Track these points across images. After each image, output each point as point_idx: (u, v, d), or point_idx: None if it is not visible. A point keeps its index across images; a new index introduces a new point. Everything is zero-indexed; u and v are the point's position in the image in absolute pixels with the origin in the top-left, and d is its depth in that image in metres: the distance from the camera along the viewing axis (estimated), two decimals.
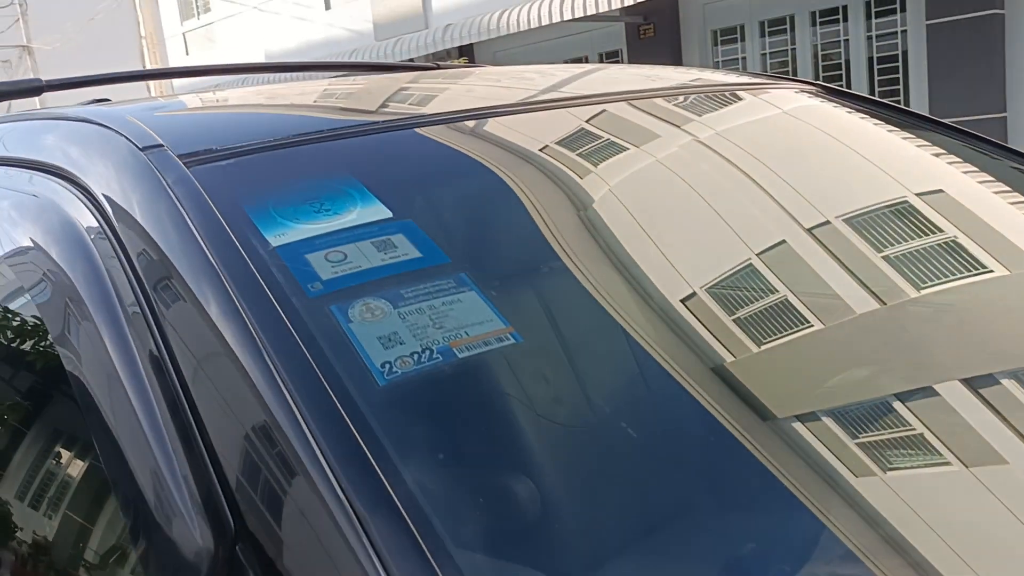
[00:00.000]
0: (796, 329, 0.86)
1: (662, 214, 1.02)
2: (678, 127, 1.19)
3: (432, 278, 0.79)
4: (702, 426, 0.77)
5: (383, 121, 1.10)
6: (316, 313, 0.74)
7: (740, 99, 1.38)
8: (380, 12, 13.45)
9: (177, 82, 16.14)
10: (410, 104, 1.26)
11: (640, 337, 0.81)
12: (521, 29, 11.23)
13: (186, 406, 0.69)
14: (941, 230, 1.03)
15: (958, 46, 9.53)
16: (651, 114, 1.21)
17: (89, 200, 0.91)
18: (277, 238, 0.81)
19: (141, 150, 0.92)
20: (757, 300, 0.89)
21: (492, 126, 1.10)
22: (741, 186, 1.08)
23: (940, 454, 0.74)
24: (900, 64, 10.38)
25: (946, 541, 0.67)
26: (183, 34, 17.69)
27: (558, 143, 1.07)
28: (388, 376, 0.69)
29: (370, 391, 0.67)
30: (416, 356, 0.71)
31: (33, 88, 1.69)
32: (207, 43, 17.00)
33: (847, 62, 10.73)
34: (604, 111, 1.18)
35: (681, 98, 1.30)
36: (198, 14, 17.36)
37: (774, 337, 0.84)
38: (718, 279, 0.91)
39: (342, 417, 0.64)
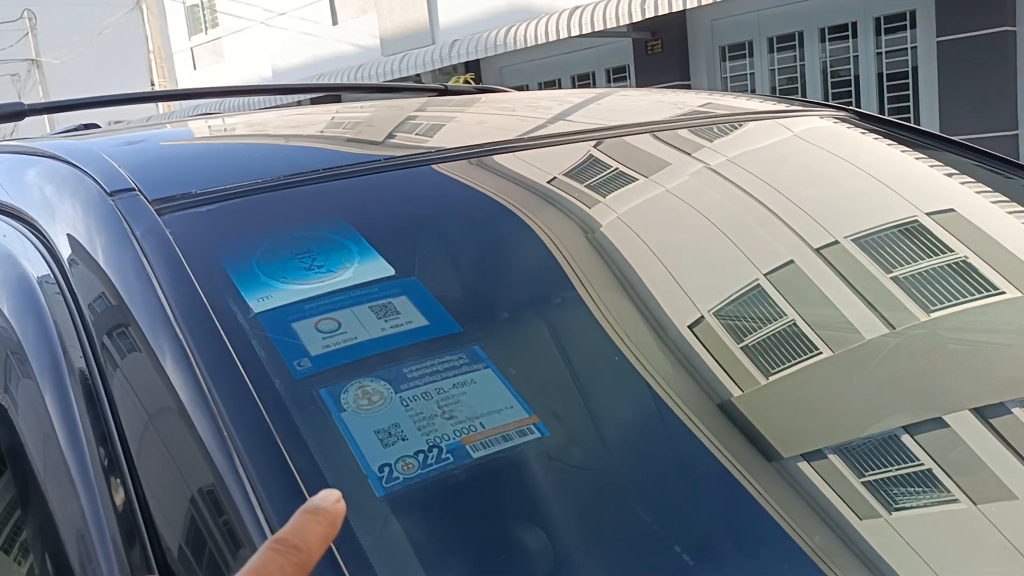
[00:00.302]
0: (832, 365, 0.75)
1: (700, 269, 0.89)
2: (708, 161, 1.08)
3: (441, 352, 0.67)
4: (742, 495, 0.65)
5: (384, 158, 0.98)
6: (302, 399, 0.62)
7: (770, 128, 1.27)
8: (387, 28, 13.42)
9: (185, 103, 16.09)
10: (415, 135, 1.14)
11: (694, 425, 0.68)
12: (528, 45, 11.18)
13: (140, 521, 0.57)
14: (957, 252, 0.96)
15: (969, 63, 9.49)
16: (681, 148, 1.09)
17: (46, 249, 0.80)
18: (260, 302, 0.69)
19: (109, 195, 0.80)
20: (790, 338, 0.77)
21: (506, 163, 0.98)
22: (776, 224, 0.96)
23: (949, 491, 0.68)
24: (910, 81, 10.32)
25: None
26: (191, 49, 17.69)
27: (582, 185, 0.95)
28: (388, 484, 0.57)
29: (368, 504, 0.55)
30: (422, 457, 0.58)
31: (13, 113, 1.58)
32: (215, 58, 16.99)
33: (856, 78, 10.68)
34: (628, 144, 1.06)
35: (711, 129, 1.19)
36: (206, 29, 17.36)
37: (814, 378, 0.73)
38: (745, 314, 0.79)
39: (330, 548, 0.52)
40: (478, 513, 0.59)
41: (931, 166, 1.39)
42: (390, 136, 1.11)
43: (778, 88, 11.40)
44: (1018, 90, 9.51)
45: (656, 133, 1.12)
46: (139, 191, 0.81)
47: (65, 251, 0.79)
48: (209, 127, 1.26)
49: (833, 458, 0.67)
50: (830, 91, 10.78)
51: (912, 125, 1.51)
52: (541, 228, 0.87)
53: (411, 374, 0.64)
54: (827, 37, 10.84)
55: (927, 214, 1.07)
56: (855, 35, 10.63)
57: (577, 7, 10.78)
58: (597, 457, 0.66)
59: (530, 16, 11.42)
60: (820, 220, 0.99)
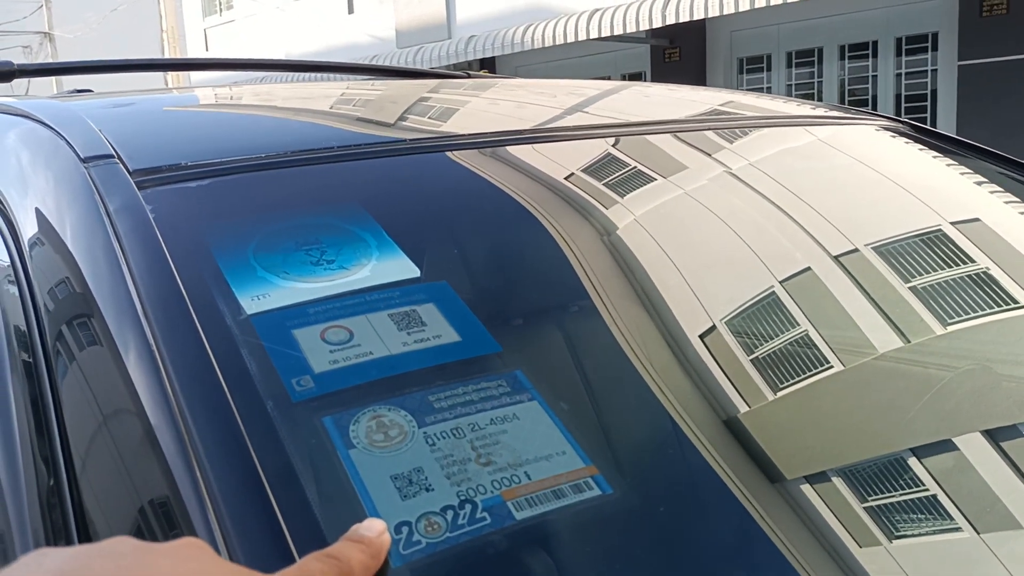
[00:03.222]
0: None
1: (743, 282, 0.77)
2: (746, 162, 0.96)
3: (476, 377, 0.54)
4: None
5: (409, 140, 0.85)
6: (300, 429, 0.48)
7: (802, 133, 1.17)
8: (403, 19, 13.32)
9: (196, 76, 16.00)
10: (440, 119, 1.00)
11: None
12: (546, 45, 11.09)
13: None
14: (975, 261, 0.91)
15: (989, 89, 9.46)
16: (718, 146, 0.97)
17: (6, 225, 0.67)
18: (254, 302, 0.56)
19: (83, 161, 0.67)
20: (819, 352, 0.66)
21: (542, 154, 0.85)
22: (805, 232, 0.85)
23: (953, 519, 0.61)
24: (929, 103, 10.28)
25: None
26: (204, 30, 17.59)
27: (629, 182, 0.82)
28: (407, 551, 0.43)
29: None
30: (451, 515, 0.45)
31: (2, 73, 1.45)
32: (228, 40, 16.87)
33: (874, 98, 10.62)
34: (669, 144, 0.93)
35: (747, 132, 1.07)
36: (220, 11, 17.25)
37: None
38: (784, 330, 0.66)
39: None
40: None
41: (971, 175, 1.30)
42: (411, 116, 0.98)
43: None
44: None
45: (700, 132, 1.00)
46: (119, 159, 0.68)
47: (29, 228, 0.66)
48: (211, 95, 1.12)
49: (855, 480, 0.60)
50: None
51: (963, 140, 1.41)
52: (587, 236, 0.73)
53: (438, 403, 0.51)
54: (847, 55, 10.79)
55: (952, 223, 1.00)
56: (875, 54, 10.58)
57: (597, 10, 10.69)
58: (667, 519, 0.52)
59: (549, 16, 11.33)
60: (845, 228, 0.92)
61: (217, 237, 0.63)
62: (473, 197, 0.75)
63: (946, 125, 9.96)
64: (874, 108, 10.54)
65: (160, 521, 0.44)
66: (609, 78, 12.46)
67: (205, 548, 0.37)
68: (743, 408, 0.60)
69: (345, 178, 0.75)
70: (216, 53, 17.07)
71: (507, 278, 0.70)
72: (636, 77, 12.24)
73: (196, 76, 15.74)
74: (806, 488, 0.57)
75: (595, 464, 0.49)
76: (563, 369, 0.61)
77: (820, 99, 10.96)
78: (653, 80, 11.85)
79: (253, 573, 0.36)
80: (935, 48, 10.09)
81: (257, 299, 0.56)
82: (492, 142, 0.85)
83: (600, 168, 0.84)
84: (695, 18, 9.97)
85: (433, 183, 0.79)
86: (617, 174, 0.83)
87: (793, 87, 11.23)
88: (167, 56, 16.64)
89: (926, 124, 9.50)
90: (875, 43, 10.51)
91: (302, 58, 15.01)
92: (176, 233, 0.60)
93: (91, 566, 0.34)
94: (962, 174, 1.29)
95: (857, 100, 10.70)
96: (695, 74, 11.49)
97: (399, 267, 0.61)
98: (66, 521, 0.46)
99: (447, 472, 0.47)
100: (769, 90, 11.30)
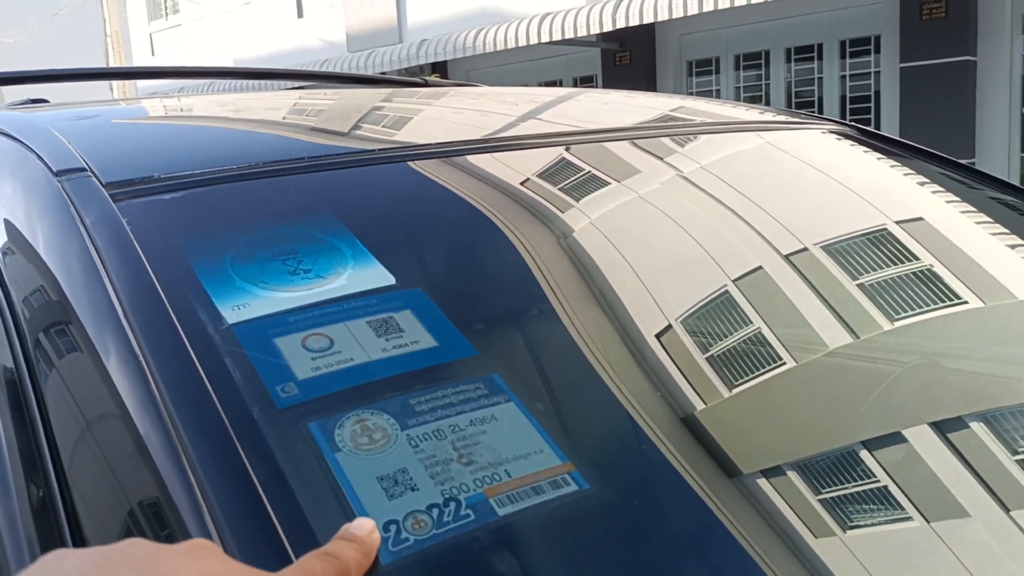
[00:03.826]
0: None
1: (711, 286, 0.80)
2: (698, 168, 1.00)
3: (455, 380, 0.56)
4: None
5: (378, 151, 0.87)
6: (287, 434, 0.50)
7: (761, 138, 1.22)
8: (354, 23, 13.24)
9: (141, 86, 15.71)
10: (405, 129, 1.02)
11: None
12: (497, 49, 11.12)
13: None
14: (919, 259, 0.95)
15: (930, 90, 9.69)
16: (671, 155, 1.00)
17: None
18: (235, 311, 0.57)
19: (55, 175, 0.68)
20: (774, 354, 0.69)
21: (510, 162, 0.87)
22: (756, 234, 0.89)
23: (905, 509, 0.64)
24: (872, 105, 10.50)
25: None
26: (150, 35, 17.28)
27: (597, 189, 0.85)
28: (395, 548, 0.45)
29: (370, 573, 0.43)
30: (436, 512, 0.47)
31: None
32: (175, 45, 16.60)
33: (820, 99, 10.83)
34: (626, 150, 0.97)
35: (699, 137, 1.11)
36: (166, 15, 16.96)
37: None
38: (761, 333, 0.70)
39: None
40: None
41: (913, 176, 1.36)
42: (376, 126, 0.99)
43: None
44: (976, 119, 9.72)
45: (656, 138, 1.03)
46: (91, 172, 0.68)
47: None
48: (176, 106, 1.12)
49: (797, 474, 0.63)
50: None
51: (914, 144, 1.47)
52: (557, 243, 0.76)
53: (419, 407, 0.53)
54: (793, 57, 10.98)
55: (897, 222, 1.05)
56: (820, 57, 10.78)
57: (548, 14, 10.75)
58: (639, 516, 0.55)
59: (500, 20, 11.36)
60: (796, 230, 0.96)
61: (194, 248, 0.64)
62: (440, 205, 0.77)
63: (889, 126, 10.19)
64: (820, 109, 10.75)
65: (153, 524, 0.46)
66: (561, 81, 12.52)
67: (216, 549, 0.39)
68: (701, 405, 0.63)
69: (315, 188, 0.77)
70: (162, 58, 16.78)
71: (477, 284, 0.72)
72: (588, 80, 12.33)
73: (143, 83, 15.45)
74: (763, 482, 0.60)
75: (571, 461, 0.52)
76: (536, 371, 0.63)
77: (768, 101, 11.15)
78: (604, 83, 11.94)
79: (260, 572, 0.38)
80: (878, 51, 10.32)
81: (238, 308, 0.57)
82: (455, 151, 0.87)
83: (557, 174, 0.87)
84: (644, 22, 10.08)
85: (402, 192, 0.81)
86: (574, 179, 0.86)
87: (741, 89, 11.41)
88: (112, 62, 16.30)
89: (870, 125, 9.74)
90: (820, 46, 10.72)
91: (251, 62, 14.82)
92: (153, 244, 0.61)
93: (111, 567, 0.36)
94: (905, 175, 1.35)
95: (804, 102, 10.91)
96: (646, 77, 11.61)
97: (374, 275, 0.63)
98: (60, 528, 0.47)
99: (431, 472, 0.49)
100: (718, 92, 11.46)
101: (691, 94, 11.71)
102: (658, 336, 0.68)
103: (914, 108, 9.80)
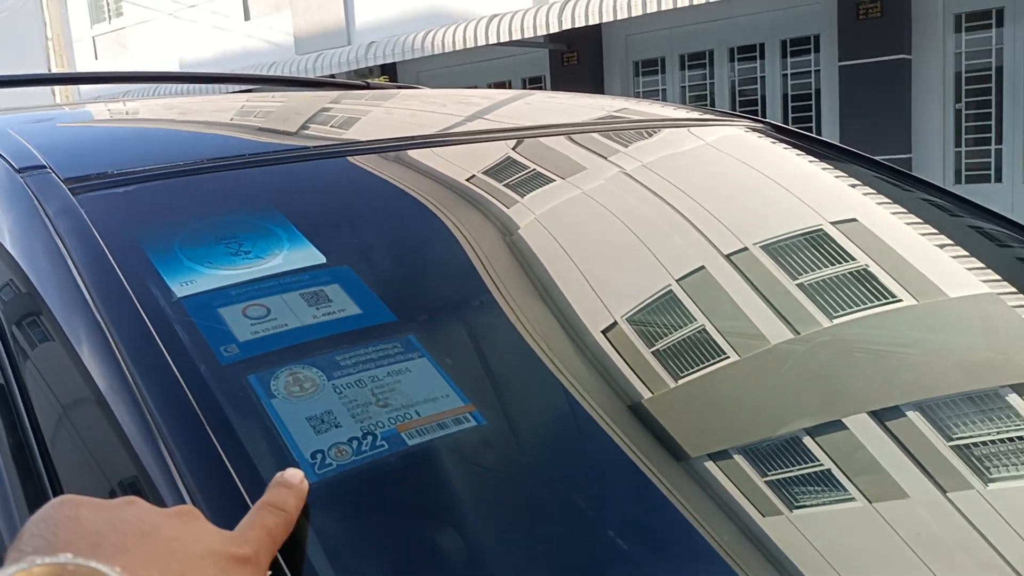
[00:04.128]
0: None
1: (615, 270, 0.90)
2: (622, 165, 1.10)
3: (375, 341, 0.66)
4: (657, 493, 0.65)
5: (314, 147, 0.96)
6: (230, 385, 0.59)
7: (682, 135, 1.31)
8: (301, 26, 13.19)
9: (84, 89, 15.45)
10: (343, 128, 1.12)
11: (614, 422, 0.68)
12: (446, 50, 11.17)
13: None
14: (855, 259, 1.01)
15: (868, 88, 9.88)
16: (597, 151, 1.10)
17: None
18: (183, 287, 0.66)
19: (18, 172, 0.76)
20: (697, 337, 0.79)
21: (436, 157, 0.97)
22: (685, 229, 0.98)
23: (847, 490, 0.70)
24: (813, 103, 10.71)
25: None
26: (92, 38, 16.99)
27: (512, 180, 0.95)
28: (321, 471, 0.55)
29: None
30: (355, 444, 0.57)
31: None
32: (118, 48, 16.36)
33: (763, 98, 11.02)
34: (547, 145, 1.07)
35: (628, 134, 1.21)
36: (109, 18, 16.70)
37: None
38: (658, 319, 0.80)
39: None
40: (414, 501, 0.58)
41: (843, 178, 1.44)
42: (316, 125, 1.09)
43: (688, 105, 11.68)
44: (912, 116, 9.97)
45: (573, 136, 1.12)
46: (51, 169, 0.77)
47: None
48: (122, 110, 1.20)
49: (739, 458, 0.69)
50: (738, 109, 11.12)
51: (827, 140, 1.58)
52: (471, 225, 0.86)
53: (344, 362, 0.63)
54: (736, 57, 11.17)
55: (832, 223, 1.11)
56: (763, 56, 10.97)
57: (496, 15, 10.83)
58: (529, 449, 0.66)
59: (449, 22, 11.41)
60: (729, 226, 1.02)
61: (146, 234, 0.73)
62: (368, 195, 0.87)
63: (830, 123, 10.44)
64: (763, 108, 10.98)
65: (123, 460, 0.55)
66: (509, 82, 12.63)
67: (200, 514, 0.47)
68: (595, 344, 0.74)
69: (255, 181, 0.86)
70: (106, 62, 16.52)
71: (398, 261, 0.82)
72: (536, 81, 12.45)
73: (86, 88, 15.19)
74: (709, 465, 0.66)
75: (472, 403, 0.62)
76: (447, 334, 0.73)
77: (712, 100, 11.36)
78: (553, 83, 12.06)
79: (232, 535, 0.46)
80: (817, 50, 10.54)
81: (186, 284, 0.67)
82: (388, 147, 0.97)
83: (479, 167, 0.97)
84: (590, 23, 10.20)
85: (335, 184, 0.90)
86: (494, 169, 0.96)
87: (687, 89, 11.60)
88: (54, 66, 16.00)
89: (811, 122, 9.83)
90: (762, 45, 10.94)
91: (197, 65, 14.68)
92: (110, 232, 0.69)
93: (123, 528, 0.42)
94: (817, 168, 1.45)
95: (747, 100, 11.14)
96: (593, 77, 11.75)
97: (307, 255, 0.73)
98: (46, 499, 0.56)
99: (352, 413, 0.59)
100: (664, 92, 11.64)
101: (638, 94, 11.89)
102: (561, 300, 0.79)
103: (853, 105, 10.02)
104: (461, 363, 0.68)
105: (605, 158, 1.09)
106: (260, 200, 0.83)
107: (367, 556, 0.54)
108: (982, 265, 1.14)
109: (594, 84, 11.62)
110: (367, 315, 0.68)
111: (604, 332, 0.77)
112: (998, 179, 9.75)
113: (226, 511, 0.50)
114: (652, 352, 0.77)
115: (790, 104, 10.89)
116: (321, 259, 0.73)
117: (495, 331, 0.74)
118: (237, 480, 0.52)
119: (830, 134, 10.41)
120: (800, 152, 1.47)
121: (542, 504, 0.62)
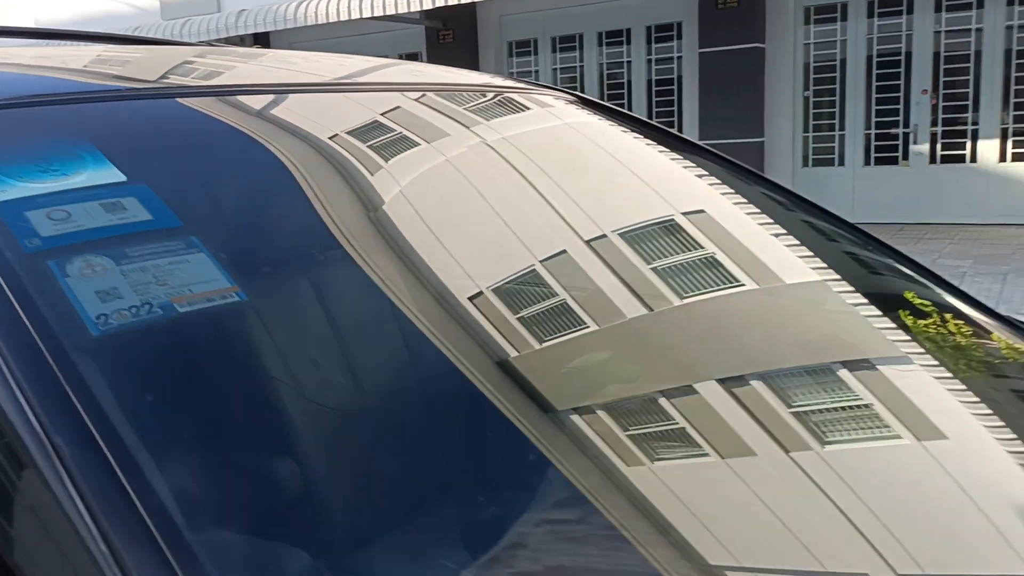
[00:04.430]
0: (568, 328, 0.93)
1: (396, 185, 1.08)
2: (436, 123, 1.26)
3: (161, 240, 0.81)
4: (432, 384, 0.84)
5: (135, 89, 1.09)
6: (33, 268, 0.74)
7: (503, 101, 1.47)
8: None
9: None
10: (174, 76, 1.24)
11: (377, 303, 0.87)
12: (319, 22, 11.02)
13: None
14: (701, 245, 1.14)
15: (726, 74, 10.30)
16: (408, 108, 1.27)
17: None
18: None
19: None
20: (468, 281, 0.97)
21: (252, 103, 1.12)
22: (493, 182, 1.15)
23: (699, 446, 0.82)
24: (676, 88, 11.12)
25: (707, 526, 0.75)
26: None
27: (311, 122, 1.11)
28: (103, 328, 0.70)
29: (84, 342, 0.69)
30: (134, 310, 0.72)
31: None
32: None
33: (629, 83, 11.36)
34: (354, 100, 1.23)
35: (448, 97, 1.37)
36: None
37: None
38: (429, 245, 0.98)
39: (54, 374, 0.64)
40: (185, 355, 0.75)
41: (645, 143, 1.62)
42: (150, 72, 1.21)
43: (559, 86, 11.89)
44: (765, 102, 10.50)
45: (387, 92, 1.28)
46: None
47: None
48: None
49: (588, 419, 0.80)
50: (606, 93, 11.47)
51: (629, 113, 1.77)
52: (265, 154, 1.03)
53: (132, 253, 0.78)
54: (604, 41, 11.45)
55: (685, 213, 1.26)
56: (629, 42, 11.29)
57: None
58: (287, 314, 0.84)
59: None
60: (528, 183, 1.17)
61: None
62: (181, 132, 1.02)
63: (690, 108, 10.85)
64: (629, 92, 11.32)
65: None
66: (387, 57, 12.53)
67: None
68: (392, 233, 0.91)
69: (74, 116, 0.99)
70: None
71: (194, 183, 0.98)
72: (413, 57, 12.43)
73: None
74: (576, 418, 0.77)
75: (237, 285, 0.80)
76: (226, 234, 0.90)
77: (582, 83, 11.66)
78: (429, 59, 12.07)
79: None
80: (680, 36, 10.94)
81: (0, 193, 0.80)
82: (197, 93, 1.11)
83: (280, 114, 1.13)
84: (464, 1, 10.28)
85: (150, 122, 1.04)
86: (276, 117, 1.12)
87: (558, 71, 11.84)
88: None
89: (674, 107, 10.06)
90: (629, 31, 11.28)
91: (54, 27, 13.91)
92: None
93: None
94: (617, 131, 1.63)
95: (614, 84, 11.48)
96: (468, 56, 11.82)
97: (109, 175, 0.87)
98: None
99: (134, 289, 0.74)
100: (537, 73, 11.86)
101: (512, 74, 12.03)
102: (316, 204, 0.97)
103: (712, 91, 10.43)
104: (235, 258, 0.85)
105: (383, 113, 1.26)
106: (76, 133, 0.96)
107: (143, 396, 0.71)
108: (811, 253, 1.28)
109: (469, 62, 11.70)
110: (157, 221, 0.83)
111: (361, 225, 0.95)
112: (841, 163, 10.42)
113: (11, 348, 0.63)
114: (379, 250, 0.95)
115: (654, 89, 11.22)
116: (122, 178, 0.87)
117: (269, 233, 0.92)
118: (33, 333, 0.67)
119: (691, 119, 10.86)
120: (598, 116, 1.65)
121: (293, 359, 0.80)
